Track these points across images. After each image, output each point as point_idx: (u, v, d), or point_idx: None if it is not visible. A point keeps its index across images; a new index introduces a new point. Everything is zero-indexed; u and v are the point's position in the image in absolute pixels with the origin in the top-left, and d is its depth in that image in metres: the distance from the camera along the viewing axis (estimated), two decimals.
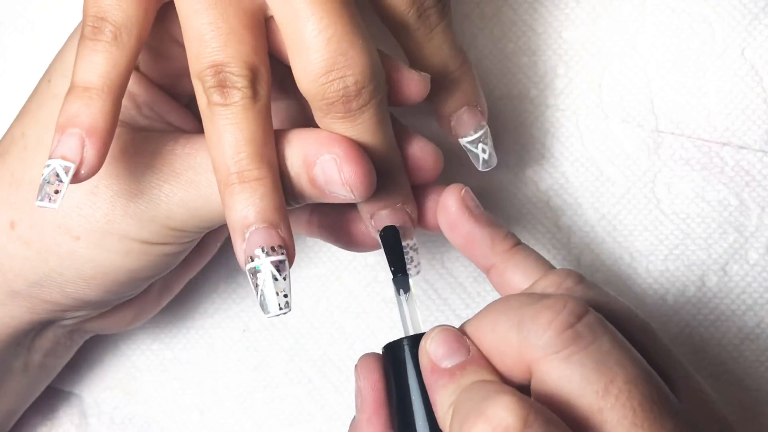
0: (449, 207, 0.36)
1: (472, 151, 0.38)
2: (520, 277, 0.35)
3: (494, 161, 0.39)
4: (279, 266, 0.32)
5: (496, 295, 0.42)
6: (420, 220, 0.37)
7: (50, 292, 0.37)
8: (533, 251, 0.35)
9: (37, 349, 0.40)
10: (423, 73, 0.35)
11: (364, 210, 0.36)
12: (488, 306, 0.32)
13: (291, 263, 0.32)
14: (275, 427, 0.44)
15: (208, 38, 0.32)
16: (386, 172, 0.34)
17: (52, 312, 0.37)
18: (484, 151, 0.38)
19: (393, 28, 0.36)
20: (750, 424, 0.41)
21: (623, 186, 0.42)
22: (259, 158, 0.32)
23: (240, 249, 0.32)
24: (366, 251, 0.39)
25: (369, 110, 0.33)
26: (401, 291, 0.35)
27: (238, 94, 0.32)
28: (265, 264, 0.32)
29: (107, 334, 0.45)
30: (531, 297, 0.31)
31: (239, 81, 0.32)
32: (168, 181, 0.34)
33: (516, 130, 0.42)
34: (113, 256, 0.35)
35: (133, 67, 0.33)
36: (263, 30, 0.33)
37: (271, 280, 0.32)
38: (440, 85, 0.37)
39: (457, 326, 0.33)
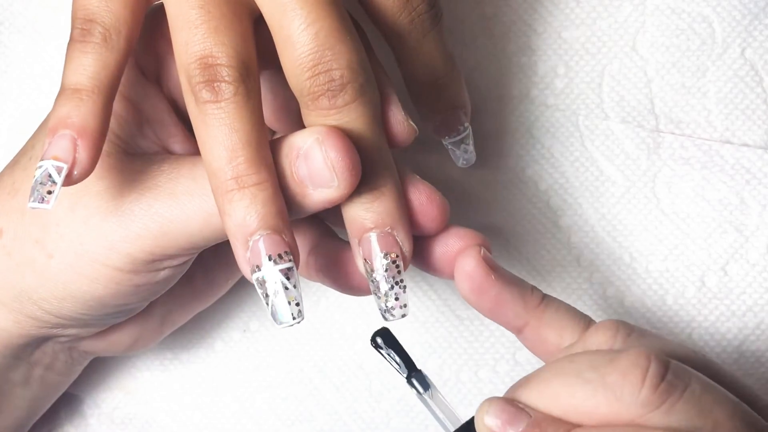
0: (472, 273, 0.33)
1: (454, 150, 0.39)
2: (555, 332, 0.33)
3: (473, 159, 0.39)
4: (288, 274, 0.31)
5: None
6: (428, 264, 0.35)
7: (29, 308, 0.36)
8: (561, 302, 0.34)
9: (37, 363, 0.39)
10: (411, 123, 0.34)
11: (353, 231, 0.33)
12: (544, 371, 0.31)
13: (297, 268, 0.31)
14: (276, 427, 0.44)
15: (198, 22, 0.31)
16: (375, 181, 0.32)
17: (37, 328, 0.36)
18: (465, 150, 0.39)
19: (385, 31, 0.35)
20: None
21: (623, 186, 0.42)
22: (257, 162, 0.31)
23: (243, 258, 0.31)
24: (363, 295, 0.36)
25: (356, 108, 0.31)
26: (421, 390, 0.33)
27: (230, 89, 0.30)
28: (273, 273, 0.31)
29: None
30: (601, 355, 0.30)
31: (230, 74, 0.30)
32: (145, 194, 0.33)
33: (516, 130, 0.42)
34: (81, 279, 0.34)
35: (123, 68, 0.33)
36: (252, 26, 0.32)
37: (282, 289, 0.31)
38: (428, 88, 0.36)
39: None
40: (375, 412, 0.43)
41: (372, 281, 0.33)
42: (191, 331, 0.45)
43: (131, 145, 0.35)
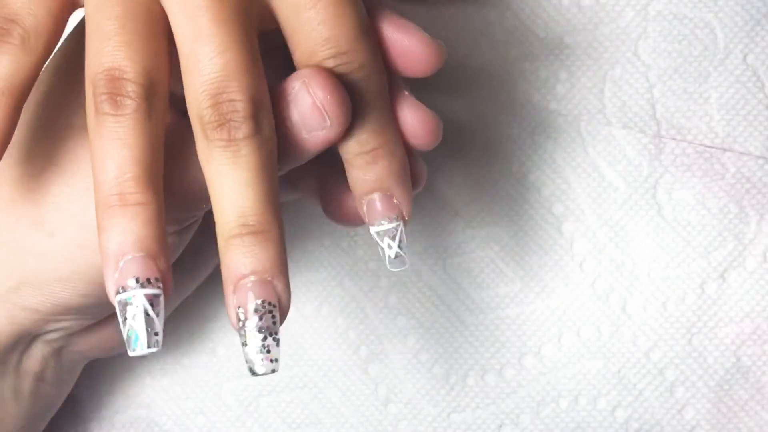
0: None
1: (378, 243, 0.34)
2: None
3: (403, 264, 0.34)
4: (153, 301, 0.29)
5: (500, 301, 0.43)
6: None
7: (29, 296, 0.35)
8: None
9: (27, 374, 0.38)
10: (436, 42, 0.32)
11: (229, 277, 0.30)
12: None
13: (167, 298, 0.30)
14: (282, 430, 0.44)
15: (111, 34, 0.30)
16: (258, 224, 0.30)
17: (32, 321, 0.36)
18: (390, 247, 0.34)
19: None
20: None
21: (625, 192, 0.42)
22: (145, 181, 0.29)
23: (111, 278, 0.30)
24: (352, 225, 0.36)
25: (254, 143, 0.30)
26: None
27: (132, 105, 0.30)
28: (138, 297, 0.29)
29: None
30: None
31: (135, 90, 0.30)
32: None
33: (519, 136, 0.42)
34: (87, 252, 0.33)
35: (38, 73, 0.32)
36: (167, 46, 0.31)
37: (142, 315, 0.29)
38: (354, 163, 0.33)
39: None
40: (382, 414, 0.44)
41: (242, 333, 0.30)
42: (193, 335, 0.45)
43: None
